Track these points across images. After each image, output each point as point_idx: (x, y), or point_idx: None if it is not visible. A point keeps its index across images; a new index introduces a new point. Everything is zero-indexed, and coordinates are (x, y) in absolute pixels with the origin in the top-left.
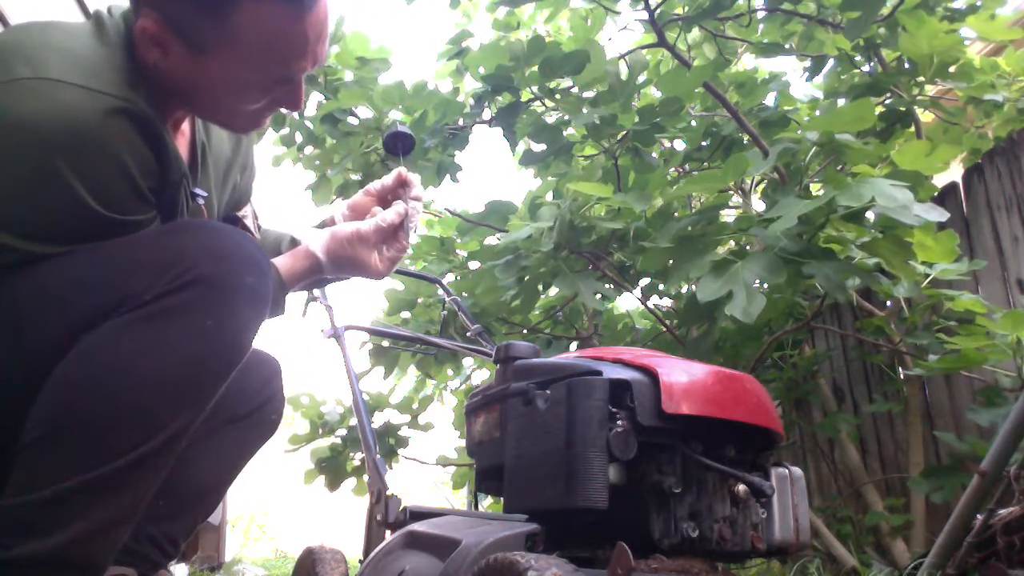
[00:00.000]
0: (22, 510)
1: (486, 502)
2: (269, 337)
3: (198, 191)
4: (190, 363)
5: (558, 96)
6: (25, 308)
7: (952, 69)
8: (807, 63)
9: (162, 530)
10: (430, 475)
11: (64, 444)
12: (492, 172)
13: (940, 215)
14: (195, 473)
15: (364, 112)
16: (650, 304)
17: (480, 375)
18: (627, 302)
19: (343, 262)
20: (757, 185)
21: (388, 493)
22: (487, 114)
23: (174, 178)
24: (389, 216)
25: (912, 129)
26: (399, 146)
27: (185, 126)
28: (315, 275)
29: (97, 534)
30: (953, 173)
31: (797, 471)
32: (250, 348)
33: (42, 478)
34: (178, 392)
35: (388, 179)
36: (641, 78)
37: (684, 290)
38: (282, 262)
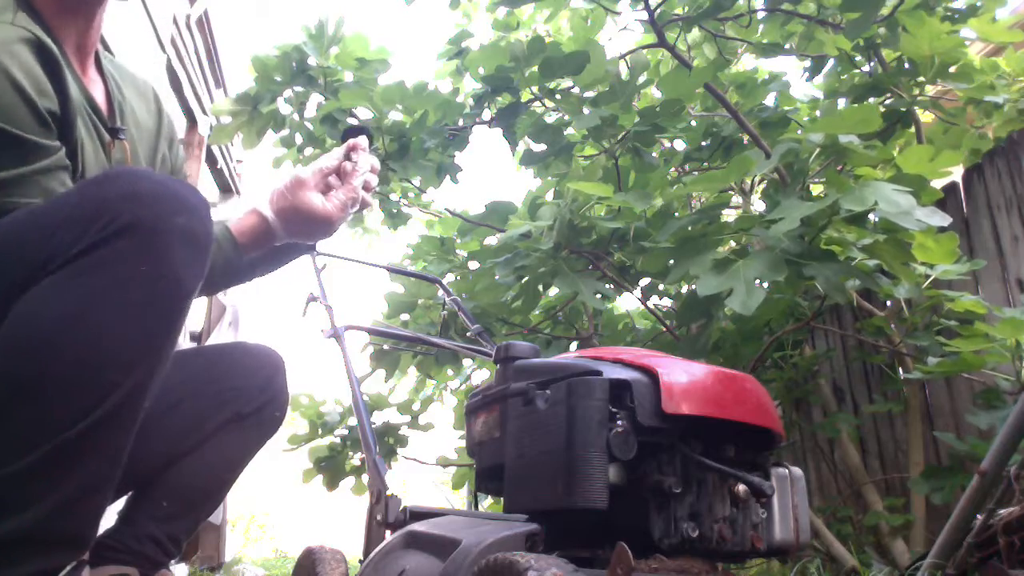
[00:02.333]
0: None
1: (486, 502)
2: (268, 336)
3: (120, 127)
4: (131, 314)
5: (558, 96)
6: None
7: (952, 70)
8: (807, 63)
9: (164, 530)
10: (430, 475)
11: (18, 417)
12: (492, 172)
13: (942, 219)
14: (199, 473)
15: (364, 113)
16: (650, 304)
17: (480, 375)
18: (627, 302)
19: (289, 212)
20: (757, 185)
21: (388, 493)
22: (487, 114)
23: (77, 106)
24: (327, 159)
25: (912, 129)
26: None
27: (95, 74)
28: (266, 231)
29: (73, 504)
30: (953, 173)
31: (797, 471)
32: (195, 290)
33: (4, 455)
34: (126, 344)
35: (338, 151)
36: (641, 78)
37: (684, 290)
38: (231, 223)
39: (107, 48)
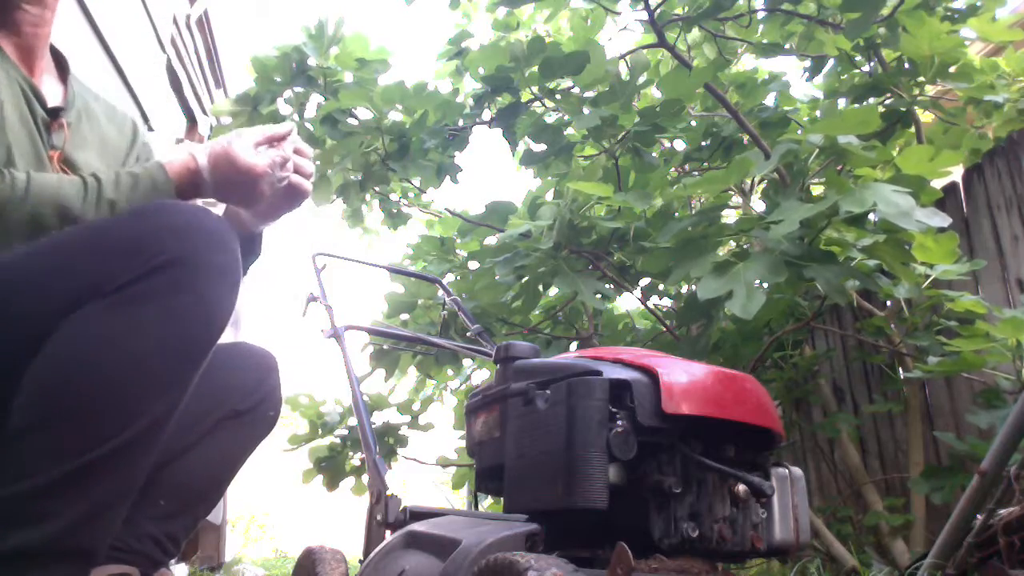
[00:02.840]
0: (13, 501)
1: (486, 502)
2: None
3: (60, 107)
4: (170, 345)
5: (558, 96)
6: None
7: (952, 70)
8: (807, 63)
9: (163, 529)
10: (430, 475)
11: (52, 432)
12: (492, 172)
13: (942, 220)
14: (195, 471)
15: (364, 113)
16: (650, 304)
17: (480, 375)
18: (627, 302)
19: (220, 158)
20: (757, 185)
21: (388, 493)
22: (487, 114)
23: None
24: (275, 128)
25: (912, 129)
26: None
27: (52, 79)
28: (194, 177)
29: (91, 520)
30: (953, 173)
31: (797, 471)
32: (226, 325)
33: (31, 467)
34: (161, 374)
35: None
36: (641, 78)
37: (684, 290)
38: (165, 160)
39: (107, 49)
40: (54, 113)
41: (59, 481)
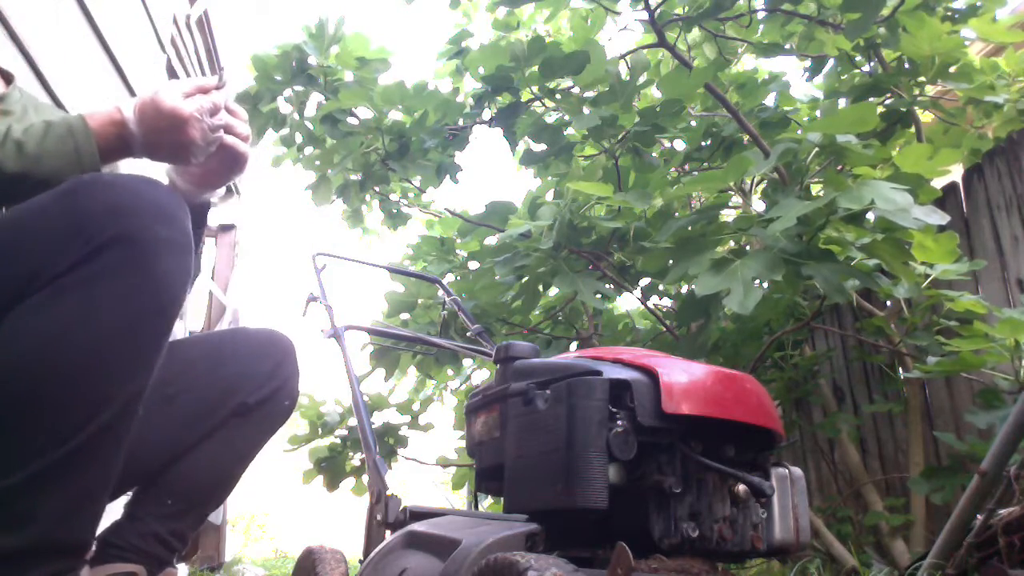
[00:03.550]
0: None
1: (486, 502)
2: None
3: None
4: (127, 327)
5: (558, 96)
6: None
7: (952, 70)
8: (807, 63)
9: (169, 527)
10: (430, 475)
11: (18, 431)
12: (492, 172)
13: (940, 218)
14: (205, 468)
15: (364, 112)
16: (650, 304)
17: (480, 375)
18: (627, 302)
19: (148, 106)
20: (757, 185)
21: (388, 493)
22: (487, 114)
23: None
24: (206, 80)
25: (912, 129)
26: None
27: None
28: (120, 129)
29: (73, 513)
30: (953, 173)
31: (797, 471)
32: (183, 299)
33: (2, 470)
34: (121, 358)
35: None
36: (641, 78)
37: (683, 290)
38: (87, 113)
39: (107, 49)
40: None
41: (32, 480)
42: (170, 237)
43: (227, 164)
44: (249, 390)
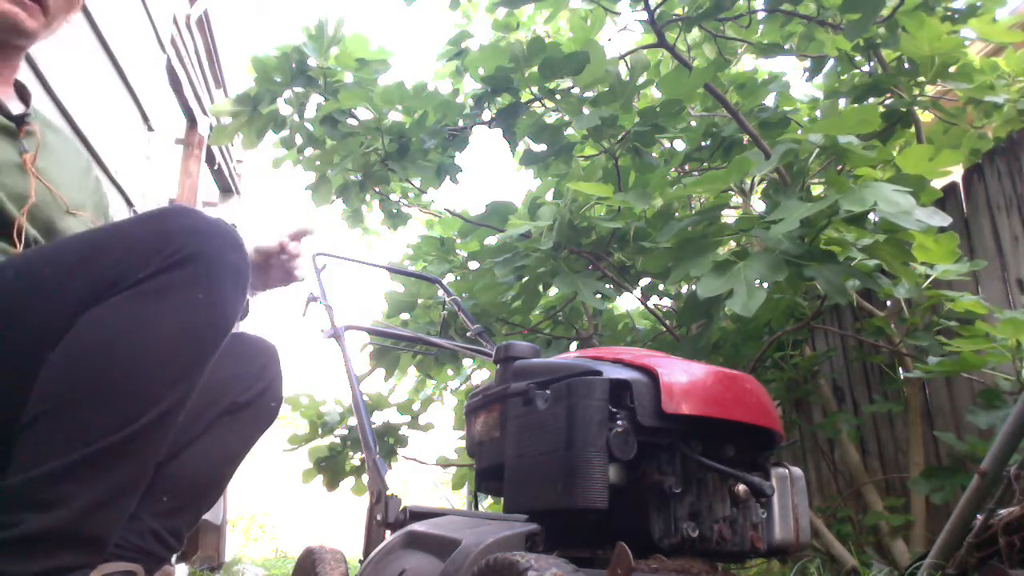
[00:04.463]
0: (26, 486)
1: (486, 502)
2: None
3: (27, 113)
4: (184, 336)
5: (558, 97)
6: (18, 294)
7: (952, 70)
8: (807, 63)
9: (166, 524)
10: (430, 475)
11: (67, 418)
12: (492, 172)
13: (942, 220)
14: (198, 466)
15: (364, 113)
16: (650, 304)
17: (480, 375)
18: (627, 302)
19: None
20: (757, 185)
21: (388, 493)
22: (487, 115)
23: None
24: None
25: (912, 130)
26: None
27: (16, 100)
28: None
29: (102, 506)
30: (953, 173)
31: (797, 471)
32: (235, 321)
33: (45, 453)
34: (174, 364)
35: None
36: (641, 78)
37: (684, 290)
38: None
39: (107, 49)
40: (19, 121)
41: (73, 467)
42: (236, 263)
43: (285, 281)
44: (239, 390)
